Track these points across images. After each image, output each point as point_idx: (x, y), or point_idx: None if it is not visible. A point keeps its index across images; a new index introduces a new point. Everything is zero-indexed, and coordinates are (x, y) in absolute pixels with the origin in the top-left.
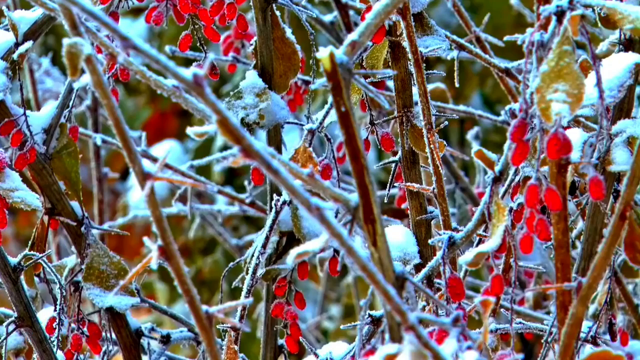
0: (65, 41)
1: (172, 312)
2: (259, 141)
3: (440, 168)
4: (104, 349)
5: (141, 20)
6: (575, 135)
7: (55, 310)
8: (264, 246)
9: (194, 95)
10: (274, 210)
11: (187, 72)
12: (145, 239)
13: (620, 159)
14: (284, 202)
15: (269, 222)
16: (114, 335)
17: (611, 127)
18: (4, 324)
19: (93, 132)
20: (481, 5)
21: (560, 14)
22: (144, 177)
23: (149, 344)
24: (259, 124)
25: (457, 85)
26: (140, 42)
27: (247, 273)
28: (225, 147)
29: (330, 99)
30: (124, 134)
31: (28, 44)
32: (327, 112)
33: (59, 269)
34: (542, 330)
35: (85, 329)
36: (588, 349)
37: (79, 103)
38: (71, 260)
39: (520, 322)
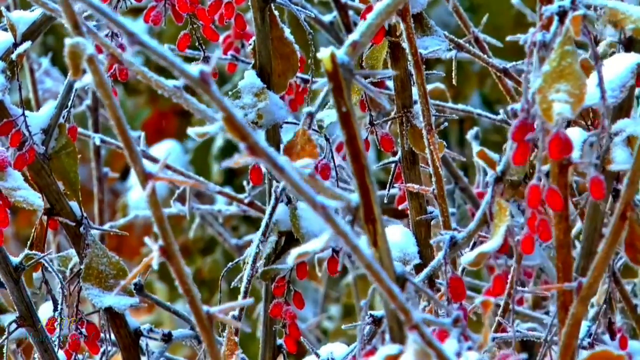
0: (68, 41)
1: (174, 309)
2: None
3: (439, 168)
4: (102, 349)
5: (141, 19)
6: (575, 135)
7: (55, 309)
8: (264, 234)
9: (198, 93)
10: (273, 196)
11: (194, 69)
12: (147, 239)
13: (620, 158)
14: (284, 189)
15: (269, 210)
16: (112, 336)
17: (611, 126)
18: (6, 323)
19: (93, 132)
20: (481, 6)
21: (562, 14)
22: (146, 177)
23: (147, 345)
24: (258, 124)
25: (455, 84)
26: (146, 38)
27: (244, 270)
28: (224, 147)
29: (325, 93)
30: (125, 133)
31: (26, 45)
32: (323, 101)
33: (64, 261)
34: (538, 339)
35: (84, 329)
36: (587, 349)
37: (78, 103)
38: (74, 253)
39: (518, 332)
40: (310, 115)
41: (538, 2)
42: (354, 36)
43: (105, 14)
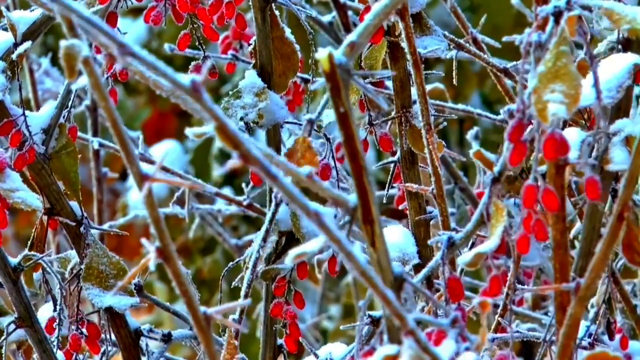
0: (63, 43)
1: (173, 309)
2: (259, 141)
3: (438, 168)
4: (102, 349)
5: (141, 19)
6: (573, 135)
7: (54, 310)
8: (264, 239)
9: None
10: (273, 202)
11: (185, 78)
12: (144, 240)
13: (619, 158)
14: None
15: (269, 215)
16: (113, 336)
17: (609, 126)
18: (4, 323)
19: (92, 132)
20: (480, 5)
21: (557, 15)
22: (142, 178)
23: (147, 345)
24: (258, 124)
25: (455, 84)
26: (137, 48)
27: (245, 270)
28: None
29: (326, 97)
30: (121, 135)
31: (27, 44)
32: (325, 105)
33: (63, 262)
34: (538, 339)
35: (84, 329)
36: (587, 349)
37: (78, 103)
38: (73, 255)
39: (517, 331)
40: (311, 122)
41: (534, 2)
42: (351, 37)
43: (94, 25)
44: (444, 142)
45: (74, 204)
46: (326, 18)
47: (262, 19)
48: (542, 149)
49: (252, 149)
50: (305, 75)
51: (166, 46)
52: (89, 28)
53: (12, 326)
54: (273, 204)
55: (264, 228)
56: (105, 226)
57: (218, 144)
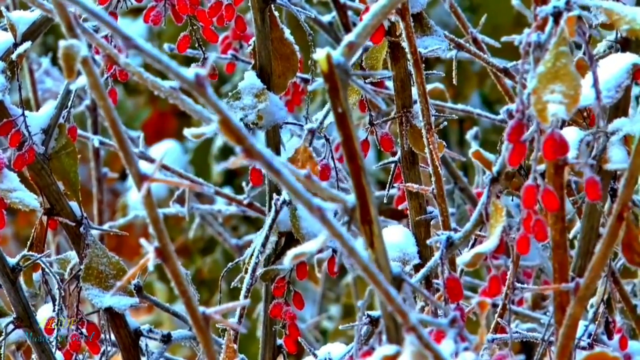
0: (62, 43)
1: (173, 310)
2: (258, 142)
3: (439, 168)
4: (102, 349)
5: (141, 20)
6: (572, 134)
7: (54, 310)
8: (264, 245)
9: (194, 96)
10: (273, 209)
11: (189, 72)
12: (143, 240)
13: (617, 157)
14: (284, 202)
15: (268, 222)
16: (112, 336)
17: (607, 126)
18: (3, 324)
19: (92, 132)
20: (480, 5)
21: (557, 15)
22: (141, 178)
23: (147, 345)
24: (258, 125)
25: (455, 83)
26: (141, 41)
27: (246, 273)
28: (224, 147)
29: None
30: (120, 135)
31: (26, 45)
32: (328, 113)
33: (63, 263)
34: (537, 339)
35: (84, 329)
36: (587, 349)
37: (78, 103)
38: (73, 256)
39: (516, 332)
40: (312, 132)
41: (533, 3)
42: (350, 37)
43: (100, 18)
44: (444, 142)
45: (73, 204)
46: (326, 18)
47: (262, 19)
48: (541, 149)
49: (256, 144)
50: (305, 76)
51: (166, 46)
52: (90, 25)
53: (11, 326)
54: (273, 210)
55: (263, 234)
56: (105, 226)
57: (218, 143)
